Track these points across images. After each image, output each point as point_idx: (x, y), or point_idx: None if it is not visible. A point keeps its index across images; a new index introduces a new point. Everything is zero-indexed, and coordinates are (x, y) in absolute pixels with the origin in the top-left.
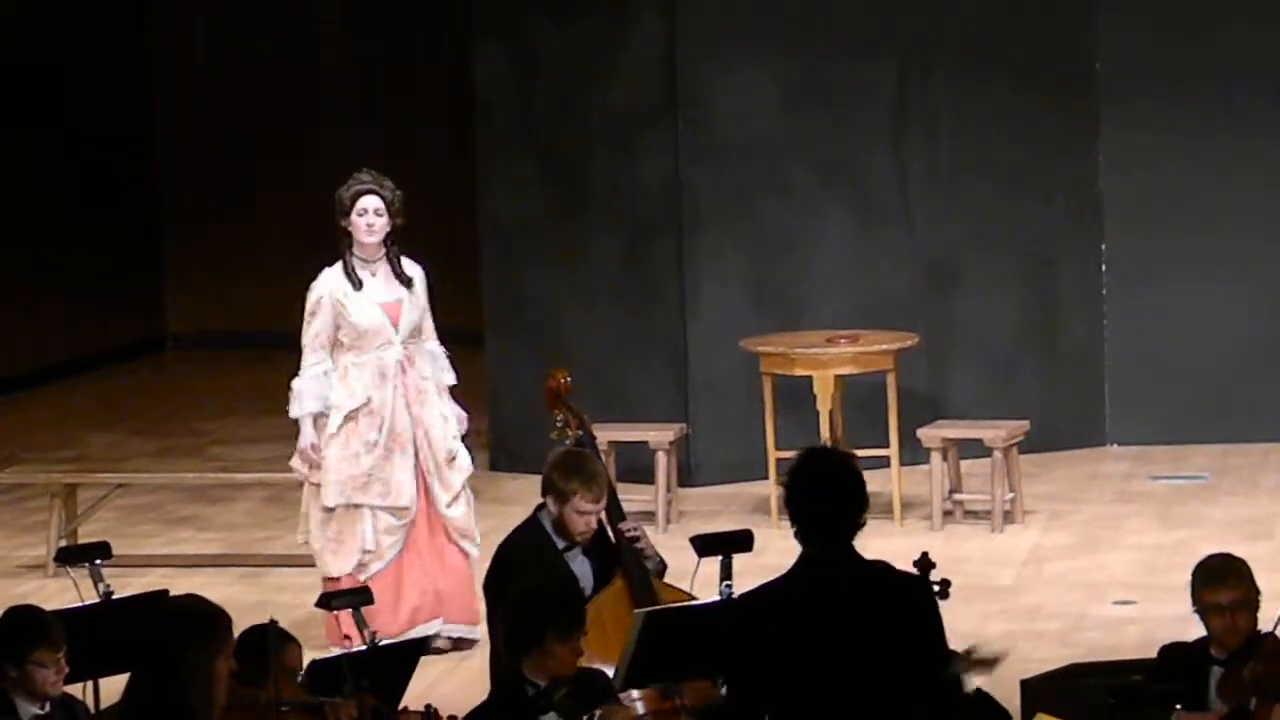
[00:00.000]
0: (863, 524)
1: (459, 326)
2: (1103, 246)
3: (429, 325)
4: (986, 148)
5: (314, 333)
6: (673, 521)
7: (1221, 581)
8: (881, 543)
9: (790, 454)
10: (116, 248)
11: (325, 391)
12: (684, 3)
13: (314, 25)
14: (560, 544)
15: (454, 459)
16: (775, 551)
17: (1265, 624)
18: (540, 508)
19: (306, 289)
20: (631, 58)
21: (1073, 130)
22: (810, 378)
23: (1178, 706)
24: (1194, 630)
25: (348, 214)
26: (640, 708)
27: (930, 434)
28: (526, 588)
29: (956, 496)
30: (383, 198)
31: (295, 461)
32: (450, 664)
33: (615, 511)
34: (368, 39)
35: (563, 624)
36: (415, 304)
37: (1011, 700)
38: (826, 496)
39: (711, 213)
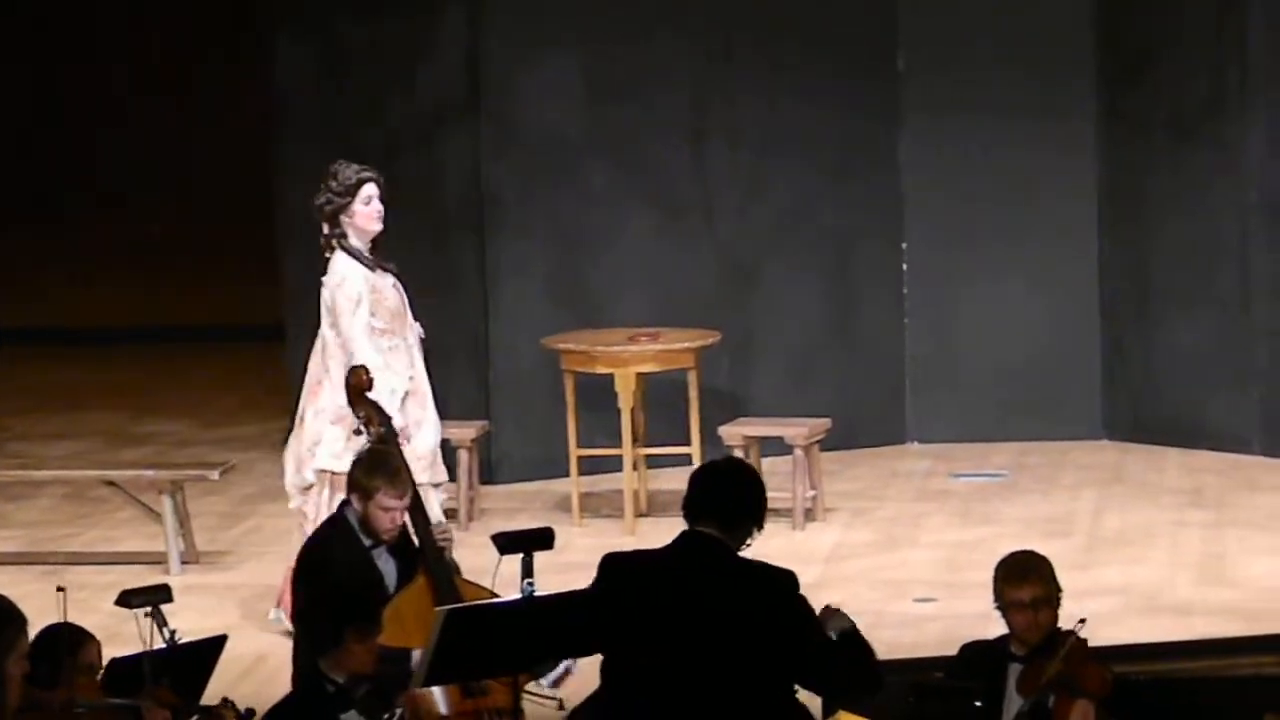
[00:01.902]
0: (750, 533)
1: (260, 322)
2: (904, 245)
3: None
4: (788, 146)
5: (364, 323)
6: (474, 519)
7: (1023, 579)
8: None
9: (592, 451)
10: None
11: (388, 380)
12: None
13: (119, 29)
14: (366, 542)
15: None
16: (577, 549)
17: (1065, 621)
18: (345, 505)
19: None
20: (434, 53)
21: (874, 128)
22: (612, 375)
23: (977, 703)
24: (994, 627)
25: (350, 203)
26: (443, 706)
27: (731, 432)
28: (325, 588)
29: None
30: (379, 184)
31: (343, 462)
32: (250, 662)
33: (418, 509)
34: (163, 39)
35: (360, 625)
36: (400, 285)
37: (812, 698)
38: (741, 489)
39: (513, 209)
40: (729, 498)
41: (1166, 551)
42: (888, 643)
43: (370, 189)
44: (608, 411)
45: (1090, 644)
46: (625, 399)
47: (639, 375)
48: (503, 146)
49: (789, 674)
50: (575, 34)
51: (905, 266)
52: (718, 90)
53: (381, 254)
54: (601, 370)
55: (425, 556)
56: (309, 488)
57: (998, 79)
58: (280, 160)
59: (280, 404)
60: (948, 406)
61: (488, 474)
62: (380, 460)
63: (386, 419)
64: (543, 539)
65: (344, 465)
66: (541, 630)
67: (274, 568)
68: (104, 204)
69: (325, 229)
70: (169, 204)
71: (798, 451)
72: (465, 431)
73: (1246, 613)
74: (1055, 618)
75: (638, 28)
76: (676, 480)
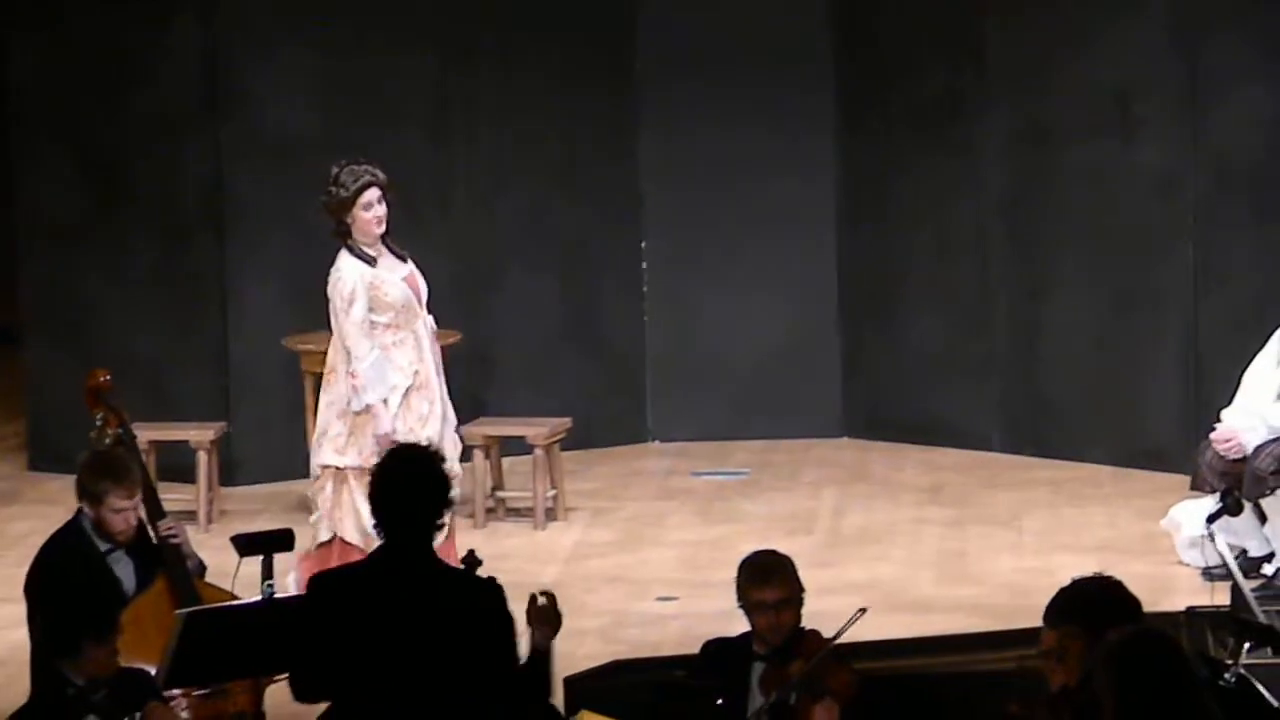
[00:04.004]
0: (442, 525)
1: None
2: (643, 244)
3: None
4: (528, 146)
5: (358, 320)
6: (214, 521)
7: (766, 580)
8: None
9: None
10: None
11: (385, 375)
12: None
13: None
14: (102, 546)
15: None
16: None
17: (807, 620)
18: (80, 511)
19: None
20: (172, 52)
21: (613, 129)
22: None
23: (719, 701)
24: (736, 625)
25: (350, 208)
26: (183, 709)
27: (472, 431)
28: (62, 593)
29: (499, 494)
30: (381, 185)
31: (347, 457)
32: None
33: (154, 510)
34: None
35: (97, 629)
36: (419, 275)
37: (555, 698)
38: (410, 492)
39: (252, 210)
40: (417, 511)
41: (907, 549)
42: (630, 642)
43: (370, 194)
44: None
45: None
46: None
47: None
48: (241, 147)
49: (497, 683)
50: (313, 34)
51: (644, 266)
52: (456, 91)
53: (396, 244)
54: None
55: (164, 558)
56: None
57: (736, 79)
58: (17, 159)
59: (15, 408)
60: (688, 405)
61: (227, 475)
62: (105, 462)
63: (125, 421)
64: (283, 540)
65: (346, 460)
66: (283, 632)
67: (11, 573)
68: None
69: (334, 223)
70: None
71: (538, 451)
72: (204, 433)
73: (987, 609)
74: (798, 617)
75: (376, 27)
76: None
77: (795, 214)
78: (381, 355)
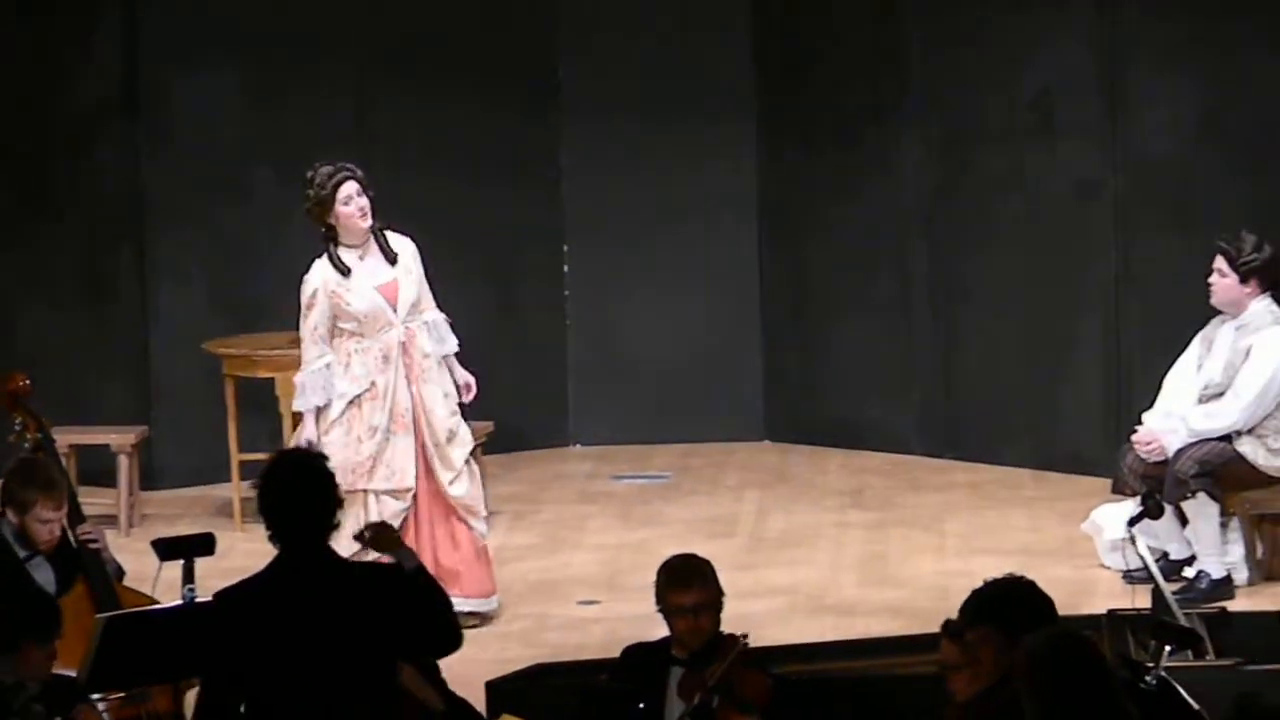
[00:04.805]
0: (337, 524)
1: None
2: (565, 248)
3: (426, 295)
4: (448, 149)
5: (311, 326)
6: (135, 525)
7: (685, 584)
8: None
9: (254, 456)
10: None
11: (327, 384)
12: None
13: None
14: (22, 553)
15: (454, 436)
16: (239, 554)
17: (731, 624)
18: (2, 516)
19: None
20: (91, 54)
21: (534, 135)
22: (273, 379)
23: (640, 705)
24: (657, 629)
25: (331, 206)
26: (105, 714)
27: None
28: (4, 593)
29: None
30: (358, 178)
31: None
32: None
33: (74, 514)
34: None
35: (41, 629)
36: (409, 279)
37: (477, 702)
38: (298, 498)
39: (172, 213)
40: (307, 516)
41: (830, 552)
42: (552, 645)
43: (348, 188)
44: (269, 416)
45: (755, 644)
46: (287, 403)
47: None
48: (162, 150)
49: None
50: (235, 39)
51: (566, 269)
52: (379, 95)
53: (381, 243)
54: (263, 374)
55: (84, 563)
56: None
57: (658, 84)
58: None
59: None
60: (609, 409)
61: (148, 480)
62: (35, 471)
63: (44, 426)
64: (204, 545)
65: None
66: (201, 638)
67: None
68: None
69: (322, 230)
70: None
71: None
72: (125, 437)
73: (910, 611)
74: (717, 622)
75: (297, 33)
76: None
77: (717, 219)
78: (325, 368)
